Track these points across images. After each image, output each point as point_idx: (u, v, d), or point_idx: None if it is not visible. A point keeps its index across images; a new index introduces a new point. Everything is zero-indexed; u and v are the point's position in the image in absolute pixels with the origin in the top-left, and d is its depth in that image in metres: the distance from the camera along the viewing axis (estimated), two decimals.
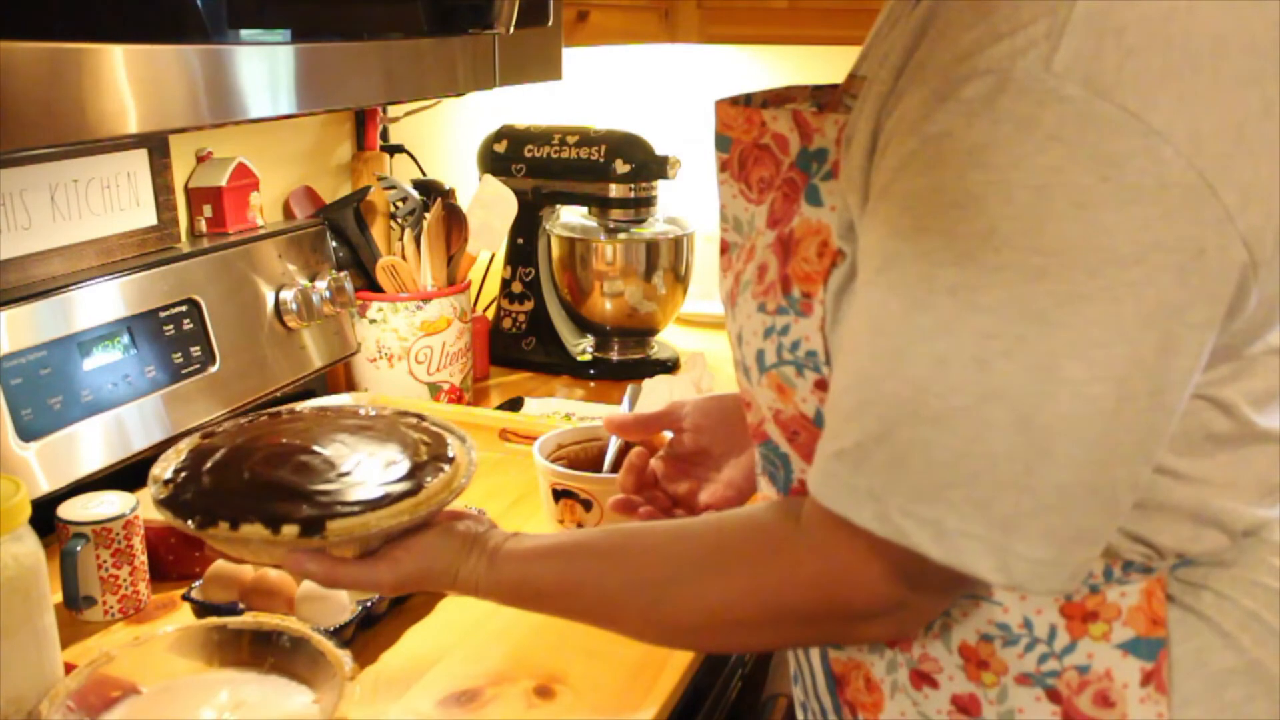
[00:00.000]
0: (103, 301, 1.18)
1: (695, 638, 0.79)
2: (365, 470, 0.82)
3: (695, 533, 0.75)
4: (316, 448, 0.85)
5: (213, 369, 1.30)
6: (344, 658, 0.86)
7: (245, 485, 0.81)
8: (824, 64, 2.07)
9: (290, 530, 0.76)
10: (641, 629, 0.76)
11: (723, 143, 0.80)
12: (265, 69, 0.90)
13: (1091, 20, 0.55)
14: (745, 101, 0.81)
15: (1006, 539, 0.59)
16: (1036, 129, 0.55)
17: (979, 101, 0.56)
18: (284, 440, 0.86)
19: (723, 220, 0.81)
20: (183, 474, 0.83)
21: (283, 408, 0.95)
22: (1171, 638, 0.68)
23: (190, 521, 0.78)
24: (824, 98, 0.84)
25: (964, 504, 0.59)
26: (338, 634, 0.95)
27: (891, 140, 0.62)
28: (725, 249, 0.81)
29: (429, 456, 0.84)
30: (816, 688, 0.82)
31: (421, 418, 0.92)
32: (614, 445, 1.20)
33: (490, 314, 1.94)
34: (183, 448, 0.87)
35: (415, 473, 0.82)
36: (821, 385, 0.70)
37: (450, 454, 0.86)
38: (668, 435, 1.04)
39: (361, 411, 0.93)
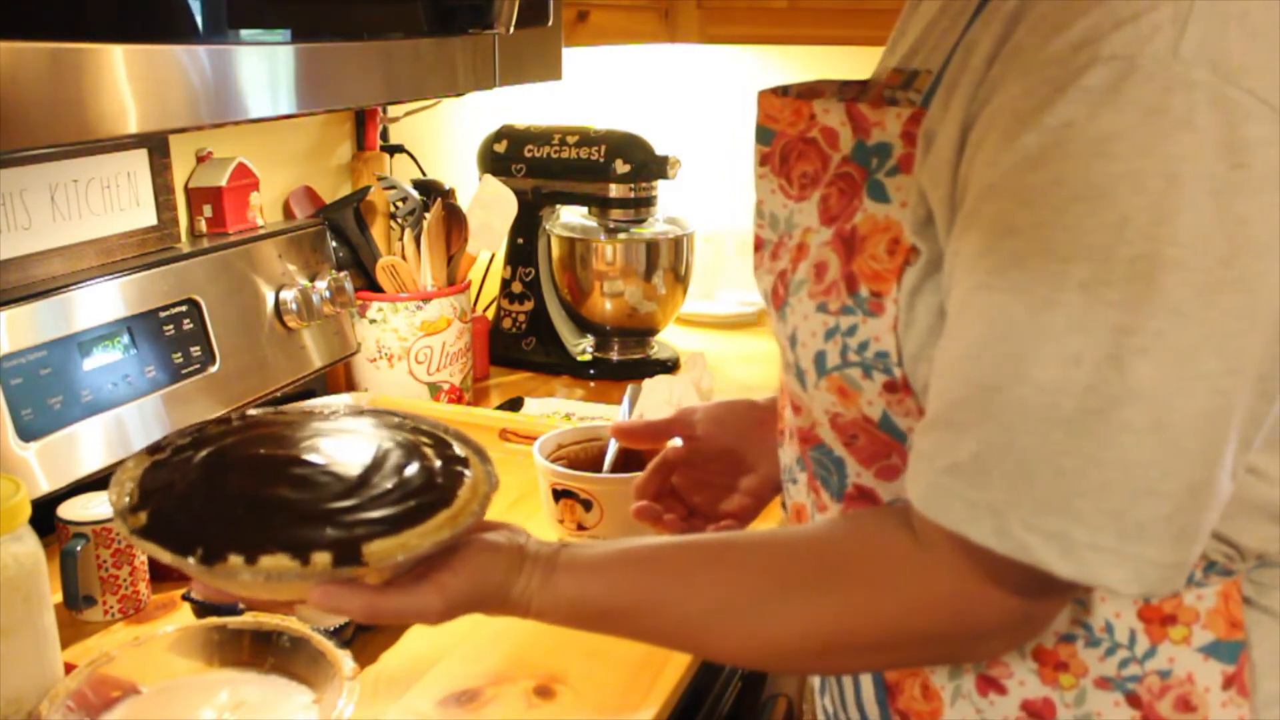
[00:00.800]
0: (103, 301, 1.18)
1: (801, 661, 0.74)
2: (379, 479, 0.70)
3: (798, 547, 0.69)
4: (307, 456, 0.71)
5: (213, 369, 1.30)
6: (344, 658, 0.86)
7: (244, 508, 0.67)
8: (824, 64, 2.07)
9: (322, 559, 0.63)
10: (736, 652, 0.71)
11: (765, 135, 0.77)
12: (265, 69, 0.90)
13: (1214, 4, 0.54)
14: (784, 93, 0.78)
15: (1140, 547, 0.56)
16: (1166, 116, 0.53)
17: (1103, 90, 0.54)
18: (262, 450, 0.72)
19: (758, 216, 0.78)
20: (152, 499, 0.68)
21: (230, 413, 0.80)
22: (1249, 640, 0.67)
23: (190, 557, 0.64)
24: (851, 93, 0.81)
25: (1094, 514, 0.56)
26: (338, 634, 0.95)
27: (991, 133, 0.59)
28: (759, 245, 0.78)
29: (439, 459, 0.73)
30: (859, 697, 0.78)
31: (401, 415, 0.79)
32: (614, 446, 1.20)
33: (490, 314, 1.94)
34: (132, 467, 0.72)
35: (434, 479, 0.70)
36: (891, 387, 0.67)
37: (459, 452, 0.74)
38: (675, 442, 0.99)
39: (327, 412, 0.79)
